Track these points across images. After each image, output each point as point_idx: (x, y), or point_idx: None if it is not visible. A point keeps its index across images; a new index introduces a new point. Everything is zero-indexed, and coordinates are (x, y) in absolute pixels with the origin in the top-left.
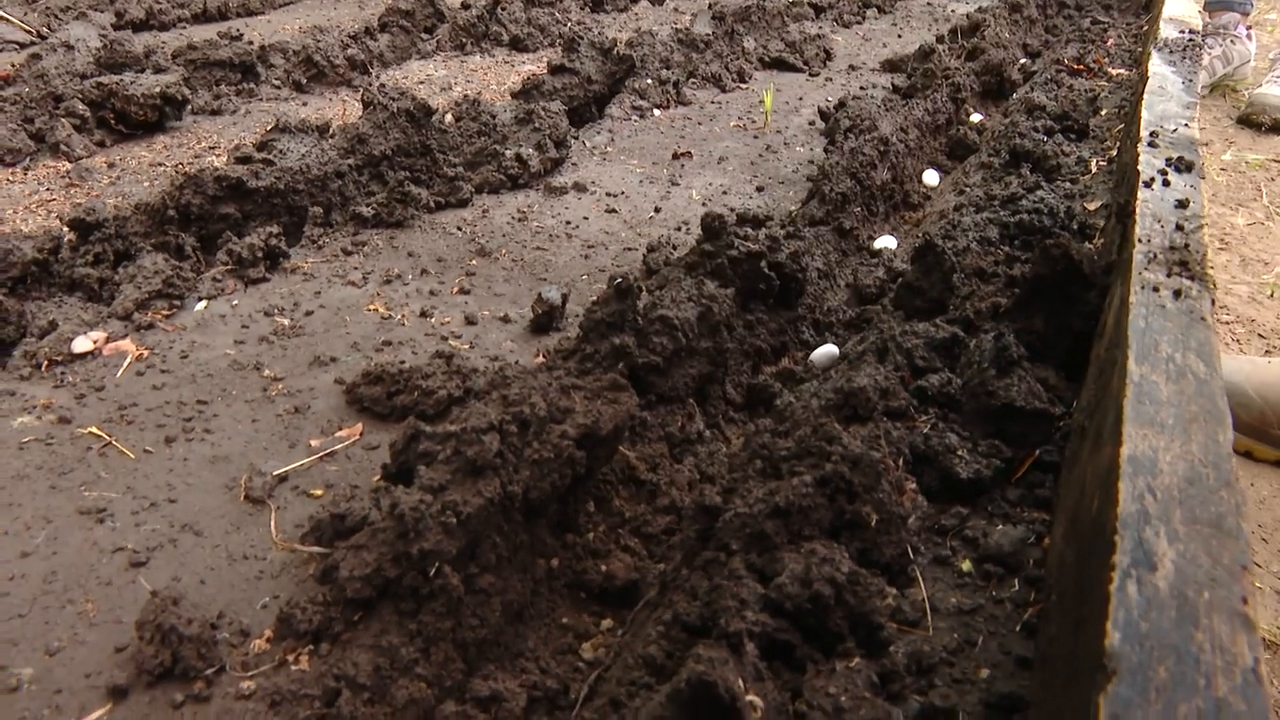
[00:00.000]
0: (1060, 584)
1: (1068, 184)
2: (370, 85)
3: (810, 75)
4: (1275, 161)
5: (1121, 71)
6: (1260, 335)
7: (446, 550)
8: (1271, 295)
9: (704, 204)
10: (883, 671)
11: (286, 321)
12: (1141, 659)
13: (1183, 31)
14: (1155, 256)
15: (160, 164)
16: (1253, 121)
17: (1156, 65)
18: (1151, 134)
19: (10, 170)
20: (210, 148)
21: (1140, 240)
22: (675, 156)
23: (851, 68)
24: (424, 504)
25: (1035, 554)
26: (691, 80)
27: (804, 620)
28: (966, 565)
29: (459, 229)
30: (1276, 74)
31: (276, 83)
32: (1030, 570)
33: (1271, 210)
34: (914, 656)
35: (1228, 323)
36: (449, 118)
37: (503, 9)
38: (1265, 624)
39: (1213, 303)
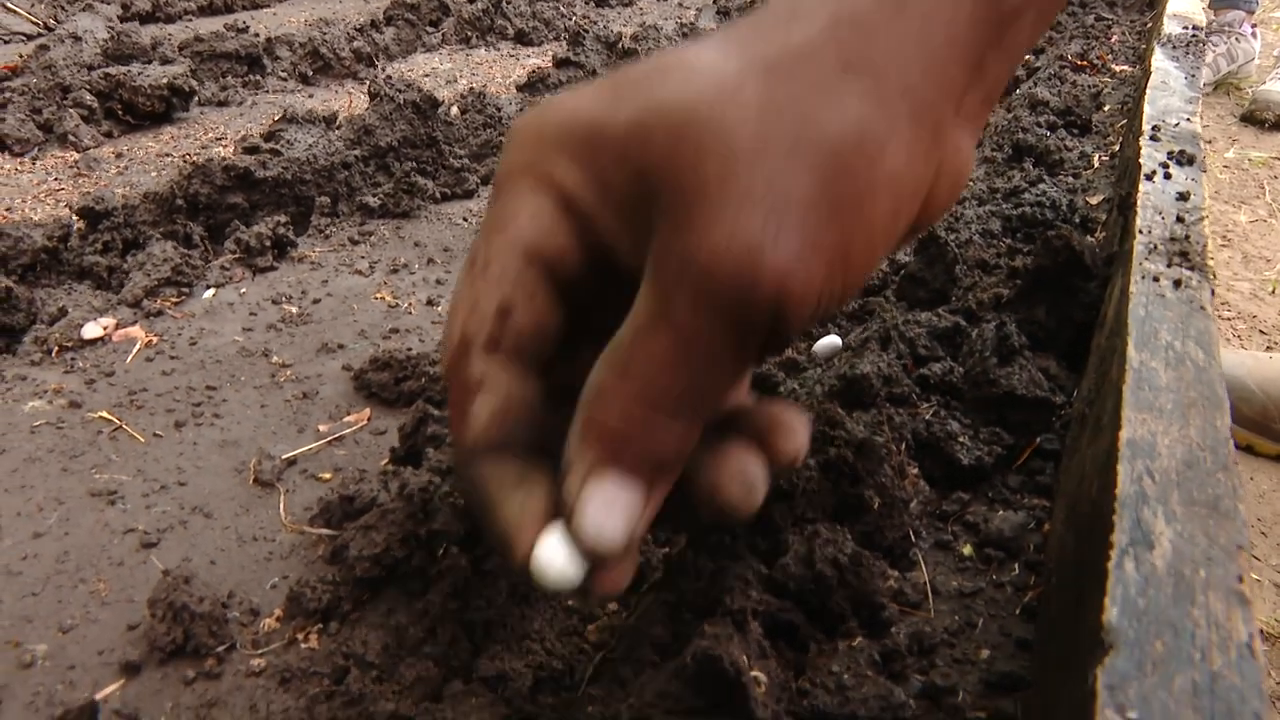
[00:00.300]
0: (1060, 567)
1: (1070, 178)
2: (376, 77)
3: None
4: (1278, 159)
5: (1125, 68)
6: (1261, 331)
7: (455, 531)
8: (1273, 292)
9: None
10: (884, 651)
11: (294, 309)
12: (1138, 634)
13: (1186, 27)
14: (1156, 247)
15: (168, 154)
16: (1256, 118)
17: (1159, 60)
18: (1153, 128)
19: (19, 160)
20: (217, 139)
21: (1141, 232)
22: None
23: None
24: (433, 485)
25: (1035, 539)
26: None
27: (807, 600)
28: (967, 549)
29: (465, 220)
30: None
31: (283, 75)
32: (1030, 555)
33: (1274, 208)
34: (915, 637)
35: (1229, 319)
36: (454, 110)
37: (508, 3)
38: (1264, 616)
39: (1212, 293)
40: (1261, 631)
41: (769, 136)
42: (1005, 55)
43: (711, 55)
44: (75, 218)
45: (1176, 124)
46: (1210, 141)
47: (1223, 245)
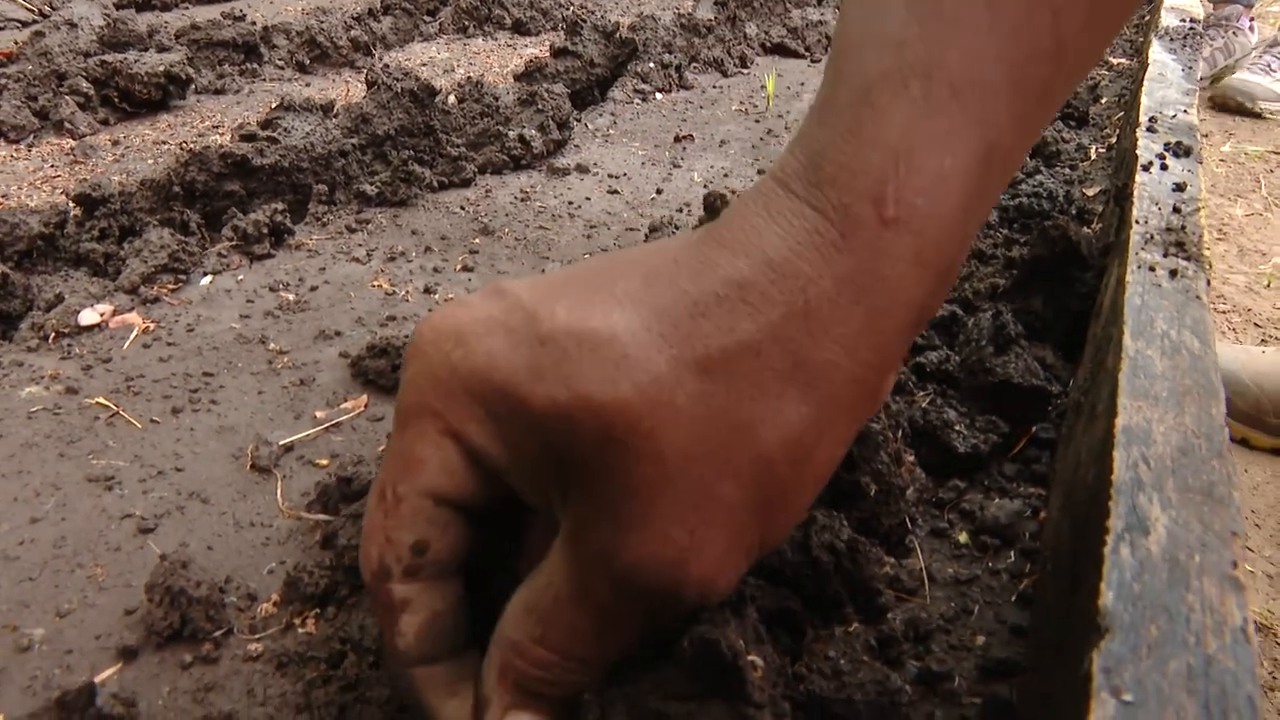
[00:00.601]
0: (1056, 554)
1: (1067, 170)
2: (374, 66)
3: (812, 61)
4: (1274, 153)
5: (1122, 61)
6: (1256, 324)
7: None
8: (1268, 285)
9: (706, 186)
10: (881, 637)
11: (291, 296)
12: (1134, 618)
13: (1183, 20)
14: (1152, 237)
15: (164, 142)
16: (1216, 104)
17: (1157, 52)
18: (1150, 119)
19: (14, 147)
20: (214, 126)
21: (1137, 222)
22: (677, 139)
23: None
24: None
25: (1031, 527)
26: (693, 64)
27: (804, 587)
28: (963, 537)
29: (462, 208)
30: (1251, 63)
31: (280, 63)
32: (1026, 543)
33: (1270, 201)
34: (911, 623)
35: (1224, 312)
36: (452, 99)
37: None
38: (1257, 607)
39: (1208, 283)
40: (1255, 623)
41: (701, 447)
42: (942, 298)
43: (642, 340)
44: (72, 204)
45: (1173, 116)
46: (1206, 135)
47: (1219, 239)
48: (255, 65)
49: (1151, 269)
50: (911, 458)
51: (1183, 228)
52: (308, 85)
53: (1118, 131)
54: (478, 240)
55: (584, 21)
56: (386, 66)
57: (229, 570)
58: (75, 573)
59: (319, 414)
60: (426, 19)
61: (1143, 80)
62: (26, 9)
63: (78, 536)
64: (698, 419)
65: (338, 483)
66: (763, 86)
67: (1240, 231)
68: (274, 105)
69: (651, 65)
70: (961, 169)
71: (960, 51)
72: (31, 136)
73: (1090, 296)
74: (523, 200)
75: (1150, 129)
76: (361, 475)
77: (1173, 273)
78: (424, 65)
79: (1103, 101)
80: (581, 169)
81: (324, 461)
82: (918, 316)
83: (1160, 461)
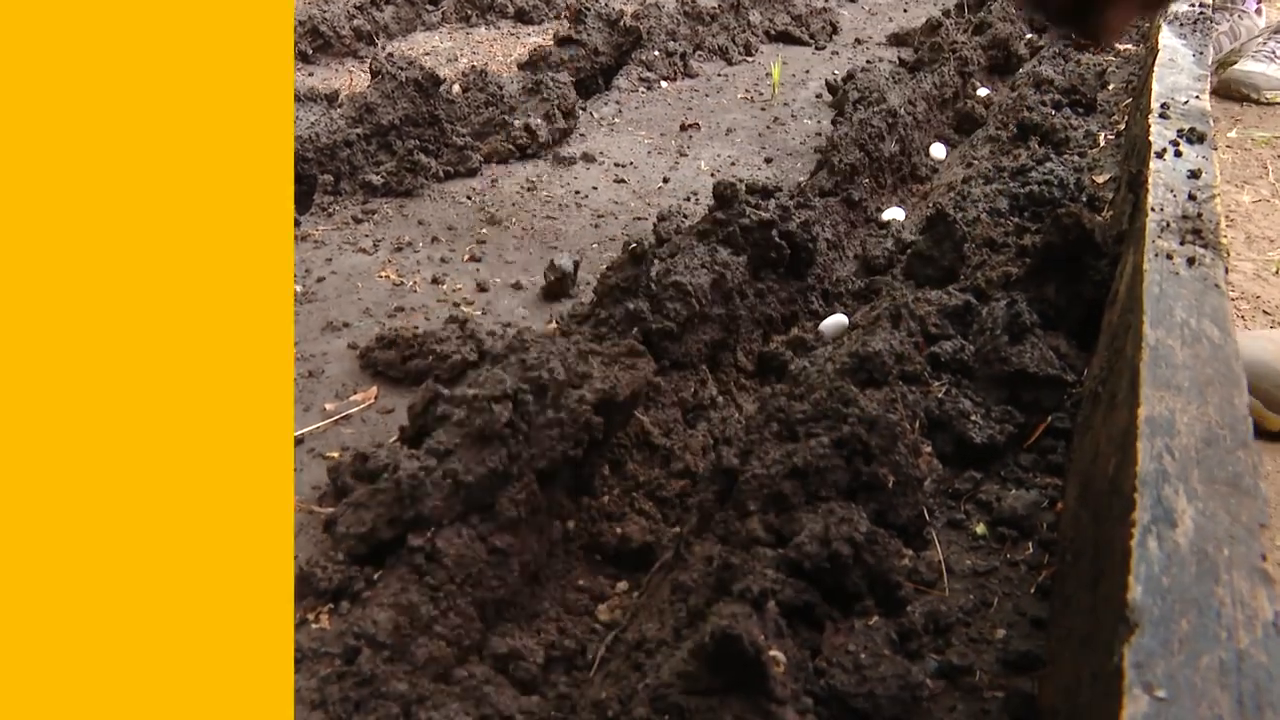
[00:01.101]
0: (1076, 545)
1: (1076, 157)
2: (377, 55)
3: (816, 48)
4: None
5: (1129, 47)
6: (1265, 312)
7: (442, 516)
8: (1276, 272)
9: (712, 175)
10: (901, 630)
11: (299, 287)
12: (1164, 612)
13: (1193, 5)
14: (1168, 225)
15: None
16: (1220, 94)
17: (1167, 38)
18: (1163, 105)
19: None
20: None
21: (1153, 209)
22: (683, 128)
23: (858, 41)
24: (424, 470)
25: (1048, 518)
26: (698, 52)
27: (823, 580)
28: (981, 528)
29: (468, 198)
30: (1254, 50)
31: None
32: (1044, 534)
33: (1277, 188)
34: (931, 616)
35: (1233, 299)
36: (456, 88)
37: None
38: None
39: (1226, 270)
40: None
41: None
42: None
43: None
44: None
45: (1186, 102)
46: (1214, 120)
47: (1226, 225)
48: None
49: (1169, 256)
50: (929, 449)
51: (1199, 215)
52: (311, 75)
53: (1127, 118)
54: (485, 230)
55: (588, 9)
56: (390, 56)
57: None
58: None
59: (328, 406)
60: (429, 8)
61: (1153, 66)
62: None
63: None
64: None
65: (354, 459)
66: (768, 74)
67: (1248, 218)
68: None
69: (656, 53)
70: None
71: None
72: None
73: (1104, 284)
74: (529, 190)
75: (1162, 115)
76: (380, 456)
77: (1190, 260)
78: (427, 54)
79: (1110, 88)
80: (588, 158)
81: (335, 454)
82: None
83: (1185, 452)
